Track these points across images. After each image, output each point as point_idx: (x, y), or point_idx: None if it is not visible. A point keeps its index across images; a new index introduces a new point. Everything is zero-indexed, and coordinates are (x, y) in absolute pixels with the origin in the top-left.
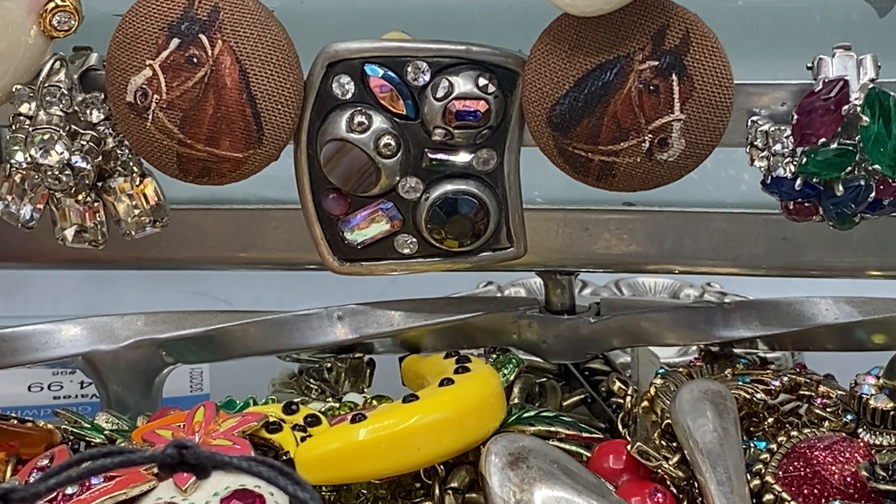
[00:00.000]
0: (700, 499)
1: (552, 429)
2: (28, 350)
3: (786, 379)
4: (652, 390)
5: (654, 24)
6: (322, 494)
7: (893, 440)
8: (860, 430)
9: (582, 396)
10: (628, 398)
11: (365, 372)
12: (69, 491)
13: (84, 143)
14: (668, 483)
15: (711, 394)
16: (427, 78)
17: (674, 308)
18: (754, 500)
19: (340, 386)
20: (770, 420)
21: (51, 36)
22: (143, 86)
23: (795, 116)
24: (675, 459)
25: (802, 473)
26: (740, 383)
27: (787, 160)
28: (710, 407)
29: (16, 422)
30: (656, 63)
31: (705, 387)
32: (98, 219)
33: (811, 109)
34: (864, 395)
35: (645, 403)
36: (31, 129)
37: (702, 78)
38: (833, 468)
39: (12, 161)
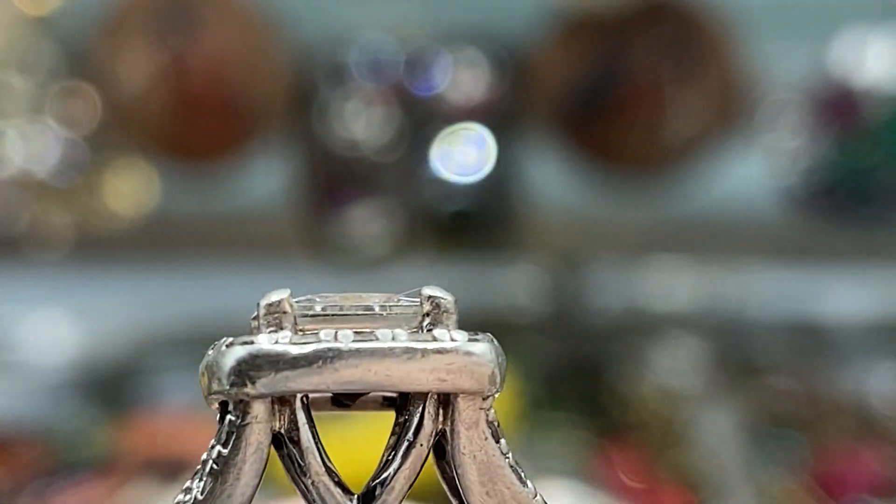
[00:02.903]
0: None
1: None
2: (23, 352)
3: (801, 380)
4: None
5: (657, 21)
6: None
7: None
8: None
9: None
10: None
11: None
12: (63, 494)
13: (79, 141)
14: None
15: (717, 395)
16: (427, 76)
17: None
18: (772, 501)
19: None
20: (786, 421)
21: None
22: (134, 81)
23: (807, 108)
24: None
25: (822, 473)
26: (754, 386)
27: (796, 155)
28: (716, 408)
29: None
30: (659, 60)
31: (710, 389)
32: (94, 216)
33: (823, 100)
34: (882, 397)
35: None
36: (27, 126)
37: (706, 72)
38: (854, 468)
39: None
